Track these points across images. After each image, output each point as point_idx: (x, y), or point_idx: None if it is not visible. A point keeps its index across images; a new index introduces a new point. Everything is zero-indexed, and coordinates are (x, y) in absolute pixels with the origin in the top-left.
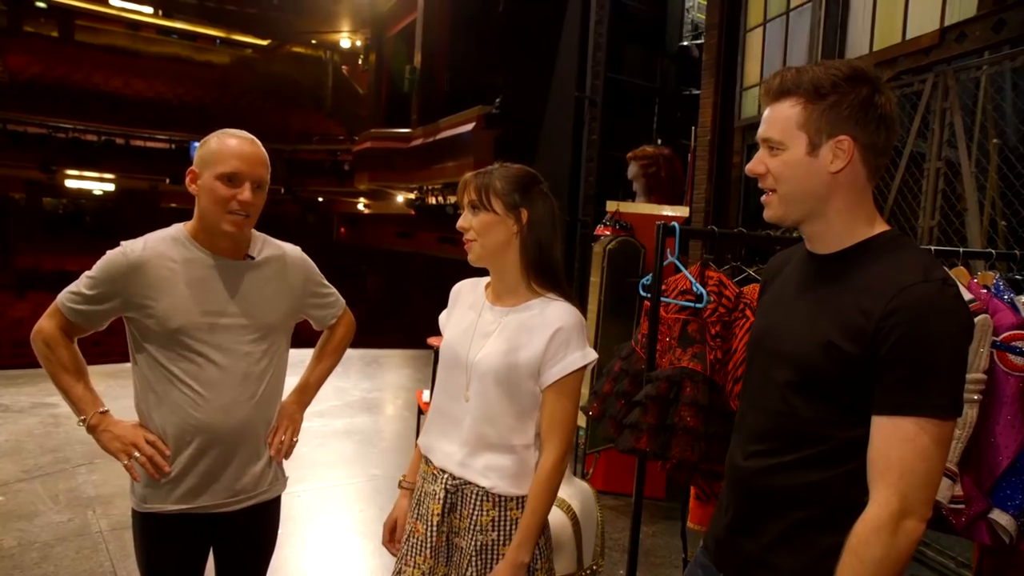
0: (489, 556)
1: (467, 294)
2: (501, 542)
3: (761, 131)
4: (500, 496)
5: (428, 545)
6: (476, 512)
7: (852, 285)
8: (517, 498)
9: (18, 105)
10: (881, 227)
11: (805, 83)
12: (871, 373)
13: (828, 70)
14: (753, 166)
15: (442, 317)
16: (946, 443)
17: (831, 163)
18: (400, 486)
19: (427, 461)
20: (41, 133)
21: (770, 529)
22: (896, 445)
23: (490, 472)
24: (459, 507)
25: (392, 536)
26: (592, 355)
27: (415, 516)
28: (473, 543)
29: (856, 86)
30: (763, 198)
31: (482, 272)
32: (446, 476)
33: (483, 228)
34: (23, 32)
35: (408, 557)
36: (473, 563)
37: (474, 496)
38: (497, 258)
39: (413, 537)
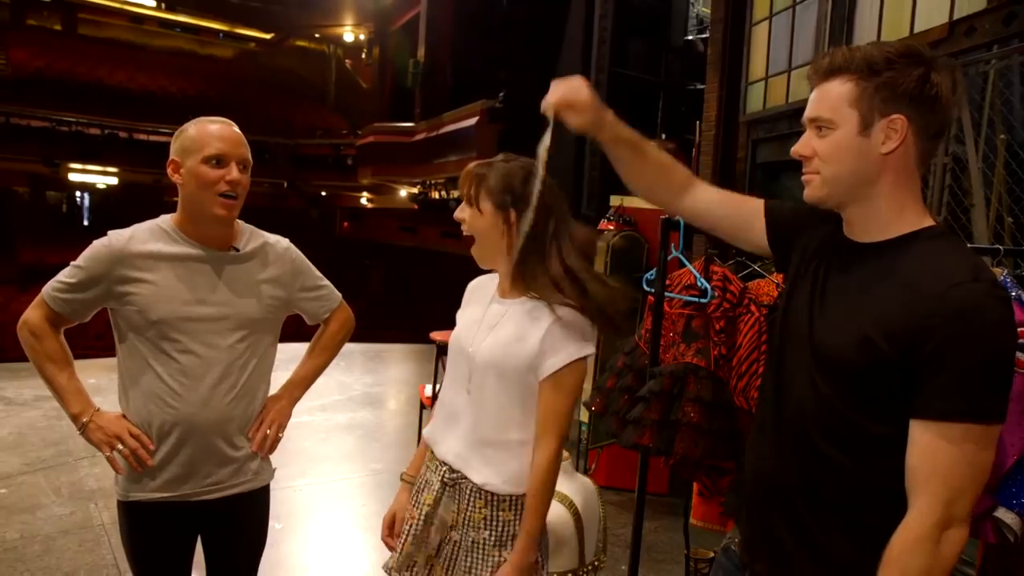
0: (479, 554)
1: (480, 289)
2: (492, 542)
3: (809, 112)
4: (493, 494)
5: (413, 532)
6: (469, 508)
7: (895, 280)
8: (510, 498)
9: (21, 99)
10: (929, 221)
11: (857, 60)
12: (909, 373)
13: (881, 48)
14: (799, 148)
15: (458, 314)
16: (992, 448)
17: (883, 143)
18: (402, 479)
19: (431, 451)
20: (44, 127)
21: (791, 529)
22: (942, 451)
23: (485, 468)
24: (456, 500)
25: (391, 531)
26: (589, 349)
27: (415, 504)
28: (466, 538)
29: (911, 64)
30: (804, 178)
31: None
32: (445, 468)
33: (473, 224)
34: (26, 25)
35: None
36: (463, 559)
37: (469, 491)
38: (493, 254)
39: (408, 523)
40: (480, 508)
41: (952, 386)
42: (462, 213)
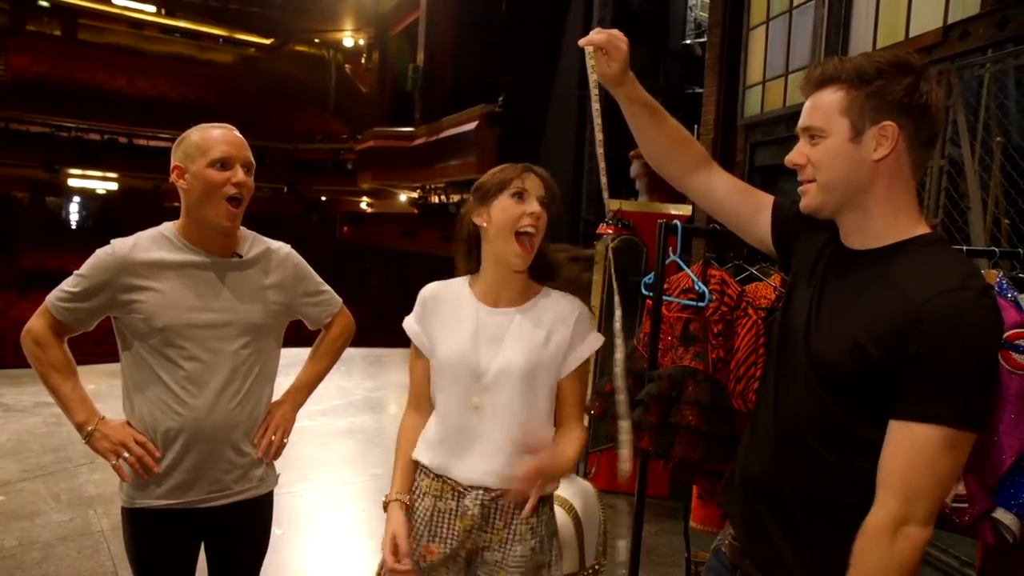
0: (529, 567)
1: (445, 300)
2: (539, 549)
3: (801, 121)
4: (541, 498)
5: (448, 567)
6: (515, 521)
7: (887, 287)
8: (548, 497)
9: (21, 104)
10: (924, 229)
11: (848, 70)
12: (896, 378)
13: (871, 58)
14: (793, 157)
15: (412, 324)
16: (959, 453)
17: (874, 150)
18: (395, 500)
19: (440, 479)
20: (44, 132)
21: (784, 530)
22: (904, 450)
23: None
24: (492, 520)
25: (397, 556)
26: (601, 337)
27: (428, 538)
28: (511, 554)
29: (900, 73)
30: (800, 188)
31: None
32: (478, 492)
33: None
34: (26, 31)
35: None
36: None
37: (512, 506)
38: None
39: (425, 561)
40: (528, 518)
41: (929, 390)
42: (543, 221)
